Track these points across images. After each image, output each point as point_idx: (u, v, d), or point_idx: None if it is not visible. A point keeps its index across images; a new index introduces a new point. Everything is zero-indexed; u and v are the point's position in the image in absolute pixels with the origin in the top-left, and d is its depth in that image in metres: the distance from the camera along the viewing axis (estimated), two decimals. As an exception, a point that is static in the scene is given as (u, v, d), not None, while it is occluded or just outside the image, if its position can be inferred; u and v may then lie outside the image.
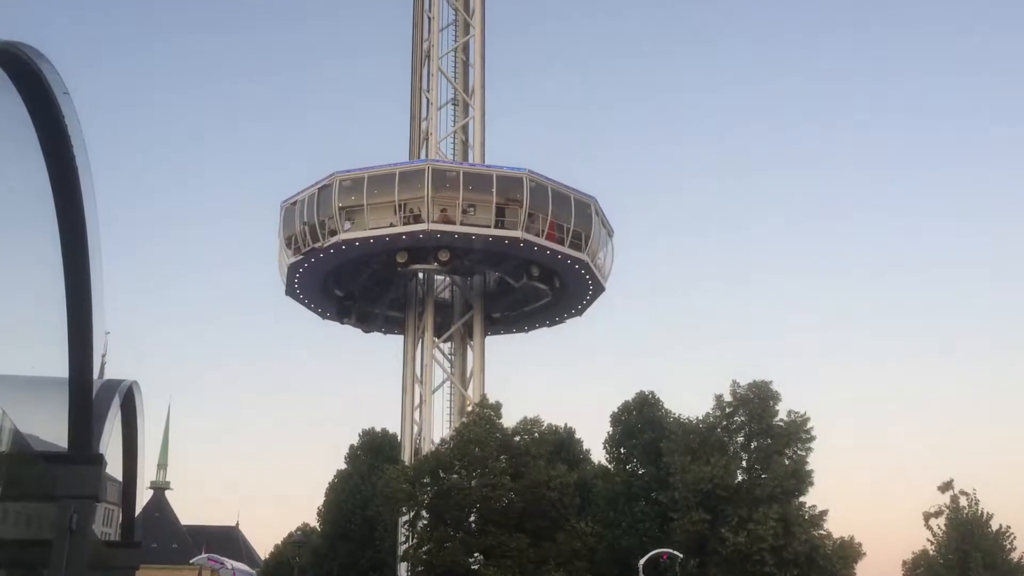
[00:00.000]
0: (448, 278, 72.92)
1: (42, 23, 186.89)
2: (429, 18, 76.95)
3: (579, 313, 74.83)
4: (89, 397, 15.77)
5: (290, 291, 70.30)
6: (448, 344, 72.67)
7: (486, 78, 75.73)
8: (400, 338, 72.99)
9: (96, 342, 18.08)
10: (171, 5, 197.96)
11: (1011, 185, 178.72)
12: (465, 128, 75.02)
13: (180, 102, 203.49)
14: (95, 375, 20.00)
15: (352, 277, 69.77)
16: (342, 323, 74.09)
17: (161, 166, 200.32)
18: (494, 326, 74.35)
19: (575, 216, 64.90)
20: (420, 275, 71.21)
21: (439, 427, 68.64)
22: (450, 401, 70.98)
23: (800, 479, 56.99)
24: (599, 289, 70.48)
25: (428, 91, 75.67)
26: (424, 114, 75.44)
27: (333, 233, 63.35)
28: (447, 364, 71.81)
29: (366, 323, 75.29)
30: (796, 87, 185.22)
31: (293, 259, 65.62)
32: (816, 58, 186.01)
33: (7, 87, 12.32)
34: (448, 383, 71.06)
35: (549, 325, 76.79)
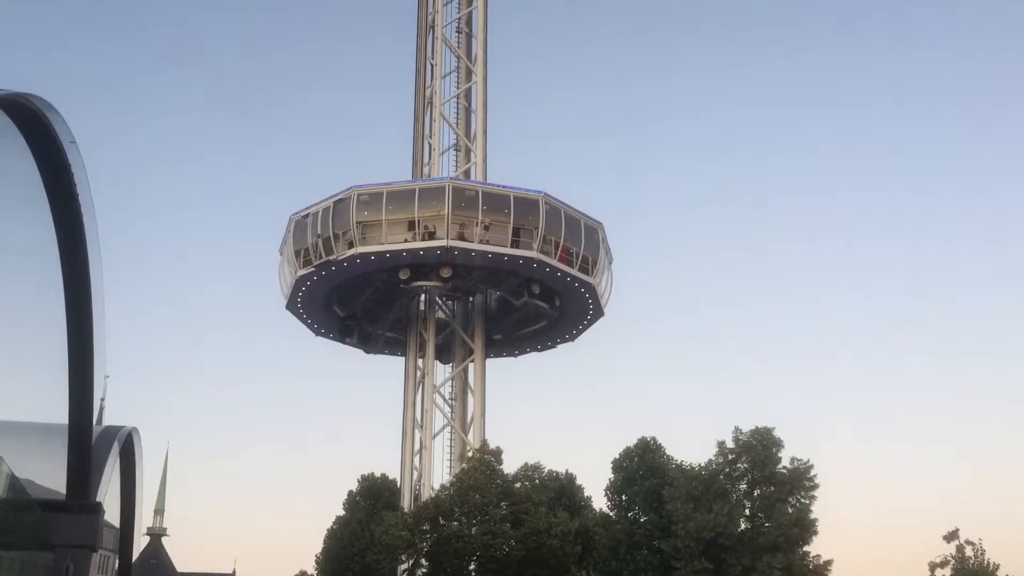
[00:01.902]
0: (445, 307, 73.26)
1: (47, 40, 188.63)
2: (432, 65, 77.89)
3: (572, 339, 75.87)
4: (88, 445, 15.66)
5: (291, 305, 70.35)
6: (449, 388, 72.58)
7: (488, 122, 76.78)
8: (401, 366, 73.10)
9: (96, 386, 18.02)
10: (173, 29, 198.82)
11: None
12: (467, 173, 75.51)
13: (170, 144, 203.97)
14: (94, 420, 19.87)
15: (355, 296, 70.11)
16: (344, 343, 74.70)
17: (146, 200, 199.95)
18: (494, 347, 74.72)
19: (584, 240, 66.45)
20: (422, 297, 71.63)
21: (439, 473, 68.33)
22: (450, 446, 70.68)
23: (804, 528, 56.32)
24: (598, 314, 71.68)
25: (431, 136, 76.40)
26: (427, 159, 76.05)
27: (350, 245, 63.83)
28: (447, 409, 71.56)
29: (368, 344, 75.74)
30: (804, 114, 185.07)
31: (303, 271, 65.84)
32: (819, 82, 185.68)
33: (14, 135, 12.45)
34: (448, 428, 70.74)
35: (540, 350, 77.69)
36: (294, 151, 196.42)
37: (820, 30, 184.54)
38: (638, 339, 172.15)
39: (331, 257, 64.29)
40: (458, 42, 79.16)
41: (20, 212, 13.45)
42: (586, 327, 74.17)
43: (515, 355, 77.88)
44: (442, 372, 73.44)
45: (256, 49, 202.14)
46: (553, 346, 77.14)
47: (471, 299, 72.77)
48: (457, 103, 78.12)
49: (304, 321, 73.18)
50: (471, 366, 71.85)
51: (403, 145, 77.90)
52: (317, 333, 74.69)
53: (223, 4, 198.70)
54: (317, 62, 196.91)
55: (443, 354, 73.33)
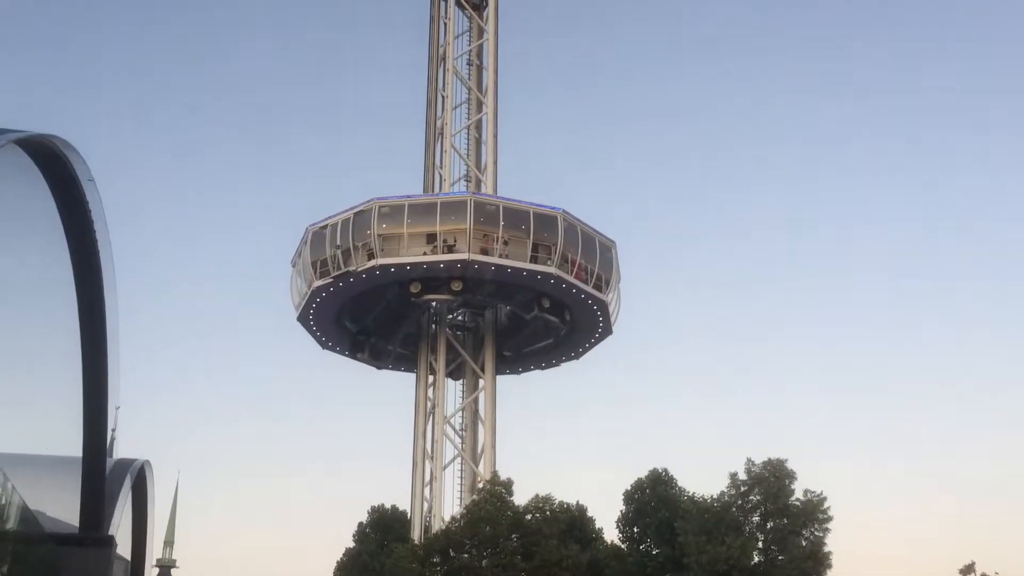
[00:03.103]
0: (455, 337, 73.58)
1: (50, 41, 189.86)
2: (443, 96, 78.58)
3: (577, 357, 76.79)
4: (102, 480, 15.70)
5: (303, 317, 70.53)
6: (459, 419, 72.56)
7: (498, 152, 77.43)
8: (411, 384, 73.26)
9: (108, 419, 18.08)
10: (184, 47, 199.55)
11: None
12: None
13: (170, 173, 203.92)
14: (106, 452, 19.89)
15: (366, 310, 70.55)
16: (355, 358, 75.07)
17: (151, 227, 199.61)
18: (501, 363, 75.13)
19: (599, 258, 67.86)
20: (433, 326, 71.83)
21: (449, 504, 68.12)
22: (461, 477, 70.57)
23: (818, 561, 55.71)
24: (606, 332, 72.87)
25: (441, 167, 77.00)
26: (437, 189, 76.45)
27: (370, 257, 64.40)
28: (458, 440, 71.46)
29: (379, 360, 76.24)
30: (819, 145, 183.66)
31: (320, 282, 66.34)
32: (848, 109, 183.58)
33: (33, 174, 12.63)
34: (459, 459, 70.62)
35: (544, 367, 78.41)
36: (302, 182, 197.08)
37: (850, 55, 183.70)
38: (647, 367, 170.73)
39: (351, 268, 65.01)
40: (469, 74, 79.91)
41: (38, 248, 13.60)
42: (593, 345, 75.41)
43: (519, 372, 78.21)
44: (452, 392, 73.41)
45: (265, 76, 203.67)
46: (557, 364, 78.18)
47: (481, 324, 73.04)
48: (468, 134, 78.79)
49: (313, 334, 73.52)
50: (481, 396, 71.93)
51: (414, 175, 78.58)
52: (324, 346, 75.04)
53: (228, 30, 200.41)
54: (326, 93, 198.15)
55: (454, 371, 73.55)
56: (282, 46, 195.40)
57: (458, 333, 74.60)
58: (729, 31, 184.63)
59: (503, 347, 74.62)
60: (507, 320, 74.21)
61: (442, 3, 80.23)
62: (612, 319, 71.51)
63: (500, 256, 64.59)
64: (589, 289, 67.23)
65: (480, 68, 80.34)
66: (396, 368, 77.52)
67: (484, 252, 64.35)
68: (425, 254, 64.71)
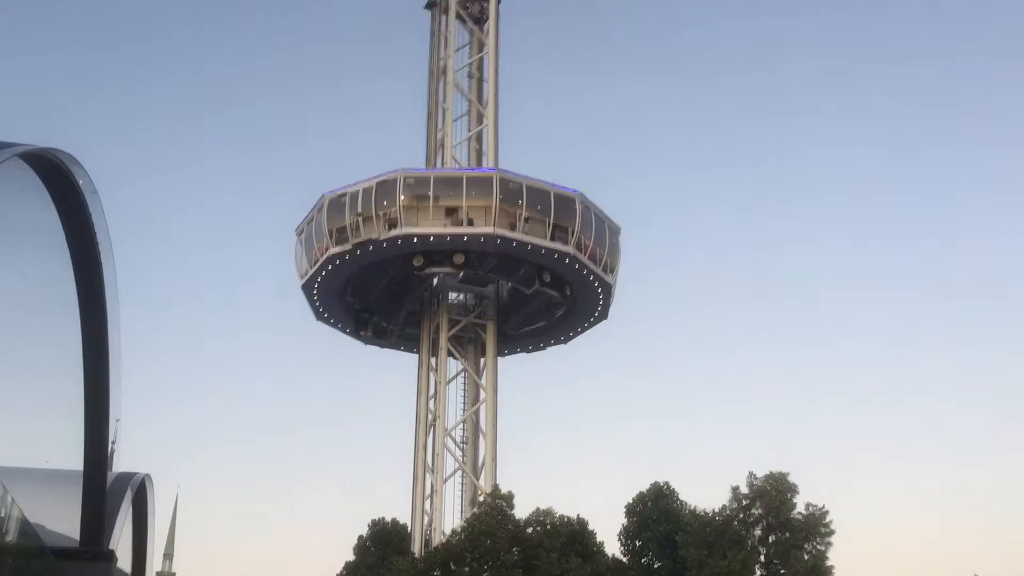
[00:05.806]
0: (457, 349, 73.67)
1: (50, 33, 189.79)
2: (443, 109, 78.69)
3: (566, 341, 77.90)
4: (103, 495, 15.63)
5: (308, 286, 70.61)
6: (460, 431, 72.47)
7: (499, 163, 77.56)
8: (413, 369, 73.50)
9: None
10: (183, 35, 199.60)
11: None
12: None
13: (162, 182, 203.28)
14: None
15: (369, 287, 70.91)
16: (359, 336, 75.25)
17: (147, 232, 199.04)
18: (506, 342, 75.99)
19: (608, 242, 69.78)
20: (435, 301, 71.64)
21: (450, 517, 67.95)
22: (462, 490, 70.40)
23: (820, 575, 55.57)
24: (602, 317, 74.41)
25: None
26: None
27: (391, 227, 64.82)
28: (459, 453, 71.35)
29: (382, 338, 76.55)
30: (830, 152, 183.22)
31: (336, 249, 66.54)
32: (843, 121, 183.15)
33: (37, 187, 12.64)
34: (460, 472, 70.48)
35: (531, 350, 79.17)
36: (301, 194, 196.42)
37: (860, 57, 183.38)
38: (649, 378, 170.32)
39: (372, 236, 65.22)
40: (469, 87, 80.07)
41: (41, 260, 13.59)
42: (585, 329, 76.55)
43: (504, 354, 78.16)
44: (454, 403, 73.23)
45: (266, 88, 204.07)
46: (544, 347, 78.88)
47: (481, 334, 72.91)
48: (468, 146, 78.94)
49: (313, 304, 73.15)
50: (483, 408, 71.85)
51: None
52: (319, 317, 74.79)
53: (229, 42, 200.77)
54: (326, 105, 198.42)
55: (453, 341, 73.54)
56: (283, 58, 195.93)
57: (458, 345, 74.22)
58: (728, 37, 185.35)
59: (501, 327, 75.09)
60: (507, 296, 75.01)
61: (442, 17, 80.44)
62: (611, 304, 73.13)
63: (523, 233, 65.86)
64: (599, 271, 68.71)
65: (480, 81, 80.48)
66: (399, 348, 77.77)
67: (511, 228, 65.49)
68: (445, 226, 65.44)
